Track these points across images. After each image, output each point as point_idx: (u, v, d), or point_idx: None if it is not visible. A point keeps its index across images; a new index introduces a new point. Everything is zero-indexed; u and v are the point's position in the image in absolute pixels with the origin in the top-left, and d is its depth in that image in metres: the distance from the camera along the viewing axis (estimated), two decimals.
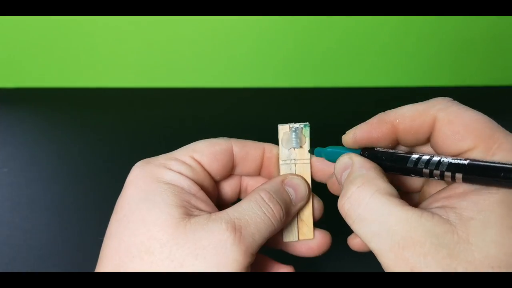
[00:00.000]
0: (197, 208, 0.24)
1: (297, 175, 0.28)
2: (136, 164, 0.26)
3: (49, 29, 0.59)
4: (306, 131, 0.28)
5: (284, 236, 0.28)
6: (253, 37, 0.61)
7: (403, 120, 0.24)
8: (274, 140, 0.29)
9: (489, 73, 0.64)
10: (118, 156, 0.53)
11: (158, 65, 0.63)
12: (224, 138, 0.28)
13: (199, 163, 0.26)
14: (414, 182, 0.27)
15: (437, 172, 0.22)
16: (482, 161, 0.20)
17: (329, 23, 0.59)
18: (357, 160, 0.24)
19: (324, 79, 0.65)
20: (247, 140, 0.28)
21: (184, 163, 0.26)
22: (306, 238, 0.28)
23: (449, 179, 0.21)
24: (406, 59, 0.63)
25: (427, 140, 0.24)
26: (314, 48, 0.62)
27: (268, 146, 0.28)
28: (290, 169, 0.28)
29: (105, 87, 0.64)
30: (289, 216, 0.26)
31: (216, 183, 0.28)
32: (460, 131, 0.22)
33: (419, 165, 0.22)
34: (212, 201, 0.26)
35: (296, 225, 0.28)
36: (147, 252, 0.22)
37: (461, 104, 0.23)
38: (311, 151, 0.28)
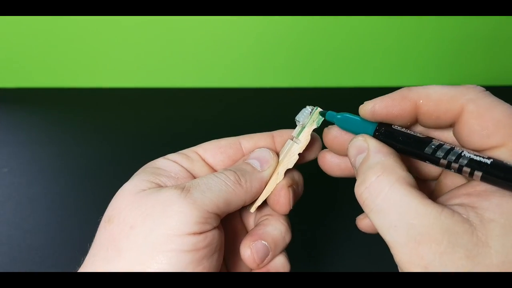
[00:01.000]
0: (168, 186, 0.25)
1: (266, 148, 0.28)
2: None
3: (50, 29, 0.59)
4: (318, 116, 0.27)
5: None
6: (254, 37, 0.61)
7: (428, 102, 0.22)
8: None
9: (489, 73, 0.64)
10: (119, 156, 0.53)
11: (159, 65, 0.63)
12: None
13: (201, 157, 0.27)
14: (432, 170, 0.26)
15: (455, 165, 0.20)
16: (506, 163, 0.19)
17: (330, 24, 0.59)
18: (373, 145, 0.23)
19: (325, 79, 0.65)
20: (255, 134, 0.29)
21: (184, 154, 0.27)
22: (252, 211, 0.28)
23: (467, 175, 0.20)
24: (406, 59, 0.63)
25: (449, 126, 0.23)
26: (315, 49, 0.62)
27: (278, 132, 0.28)
28: (288, 145, 0.28)
29: (106, 87, 0.65)
30: (254, 182, 0.26)
31: None
32: (489, 127, 0.20)
33: (437, 153, 0.21)
34: None
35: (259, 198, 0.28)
36: (109, 221, 0.23)
37: (493, 96, 0.21)
38: (323, 114, 0.27)
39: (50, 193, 0.48)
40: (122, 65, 0.63)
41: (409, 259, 0.19)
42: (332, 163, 0.27)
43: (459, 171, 0.20)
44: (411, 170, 0.22)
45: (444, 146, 0.21)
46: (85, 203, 0.47)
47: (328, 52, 0.62)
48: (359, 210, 0.22)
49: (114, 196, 0.24)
